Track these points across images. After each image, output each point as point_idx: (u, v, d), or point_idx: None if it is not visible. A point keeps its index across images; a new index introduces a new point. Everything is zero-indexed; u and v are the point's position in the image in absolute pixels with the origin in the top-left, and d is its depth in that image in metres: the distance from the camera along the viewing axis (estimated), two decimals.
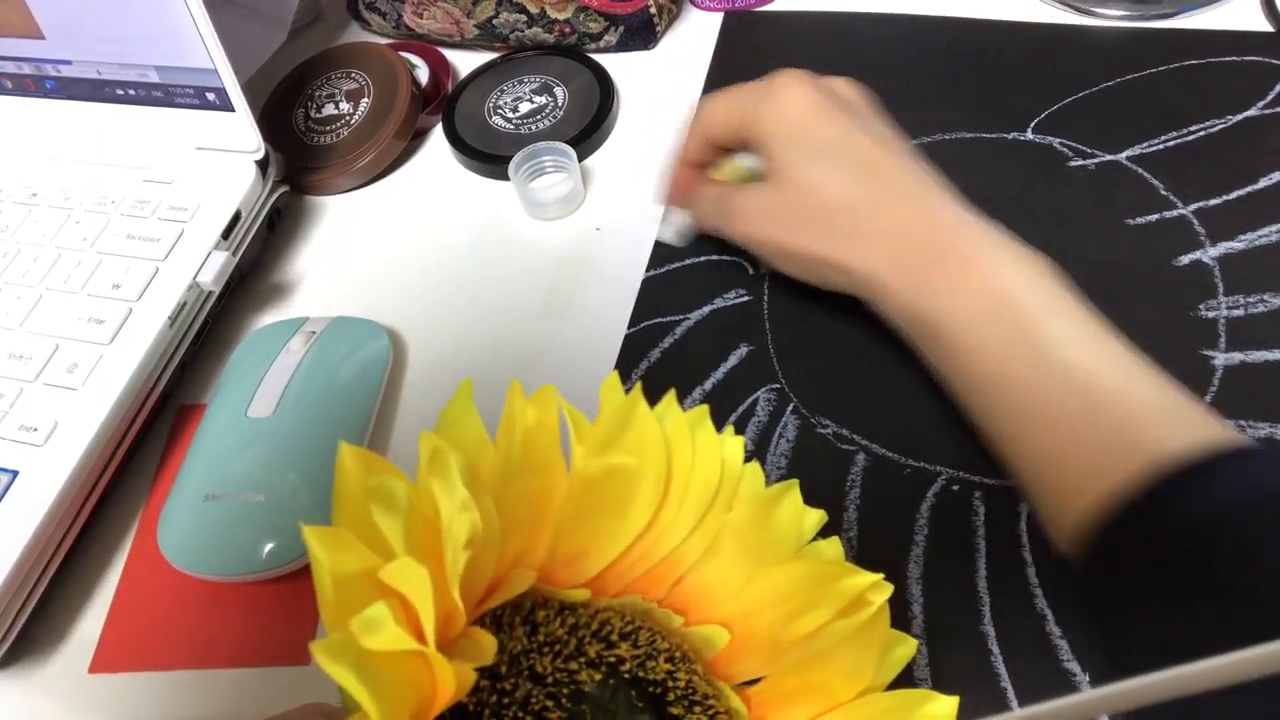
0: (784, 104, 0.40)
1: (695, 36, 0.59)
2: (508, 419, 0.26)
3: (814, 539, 0.30)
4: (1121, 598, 0.30)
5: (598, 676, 0.25)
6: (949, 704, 0.28)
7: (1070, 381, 0.32)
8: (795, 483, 0.29)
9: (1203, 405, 0.32)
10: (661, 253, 0.49)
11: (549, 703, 0.24)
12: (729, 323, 0.46)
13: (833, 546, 0.31)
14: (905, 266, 0.37)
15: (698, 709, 0.27)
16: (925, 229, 0.37)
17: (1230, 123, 0.48)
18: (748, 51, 0.57)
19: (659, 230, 0.50)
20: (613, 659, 0.26)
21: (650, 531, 0.28)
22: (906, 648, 0.30)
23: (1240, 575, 0.28)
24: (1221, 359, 0.40)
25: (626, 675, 0.26)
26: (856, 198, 0.38)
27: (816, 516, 0.30)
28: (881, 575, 0.27)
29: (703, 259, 0.48)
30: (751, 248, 0.42)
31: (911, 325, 0.38)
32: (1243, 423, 0.38)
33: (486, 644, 0.22)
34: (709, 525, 0.29)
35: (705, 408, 0.29)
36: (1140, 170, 0.47)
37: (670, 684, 0.27)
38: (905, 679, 0.30)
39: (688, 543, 0.29)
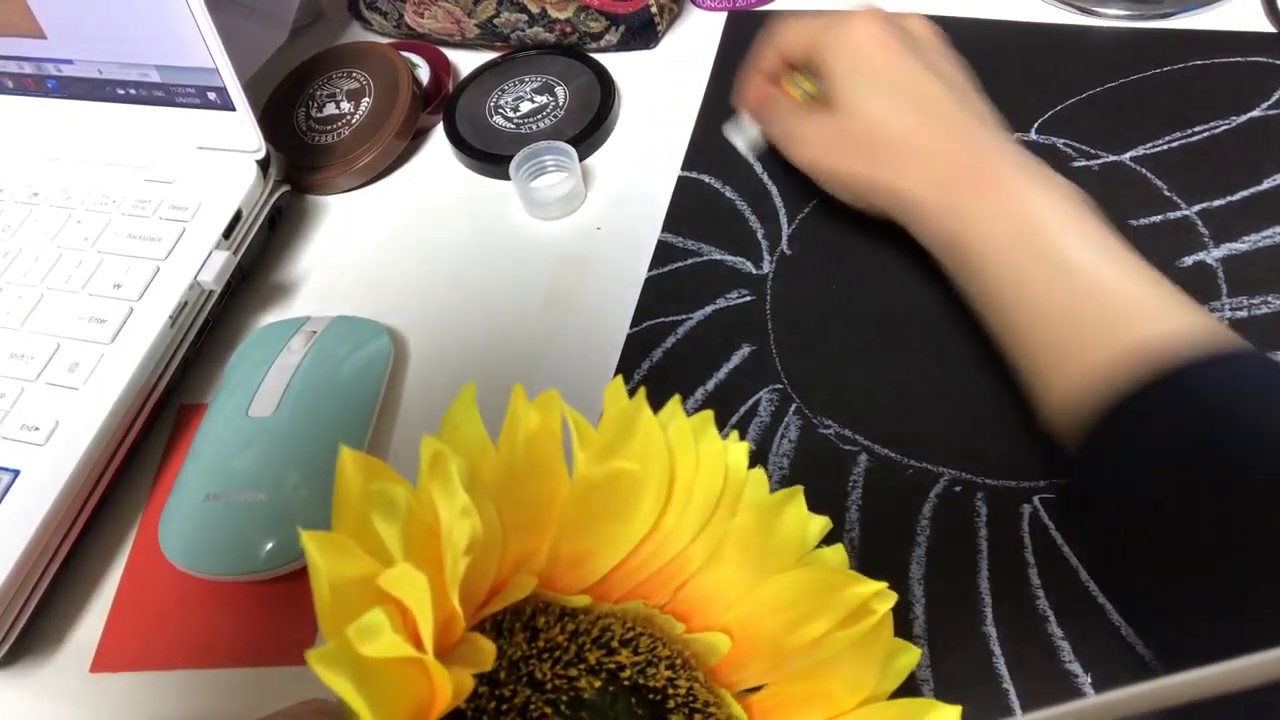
0: (852, 36, 0.42)
1: (696, 36, 0.59)
2: (510, 423, 0.25)
3: (818, 546, 0.30)
4: (1111, 467, 0.33)
5: (597, 683, 0.25)
6: (951, 713, 0.27)
7: (1073, 278, 0.35)
8: (799, 489, 0.29)
9: (1198, 304, 0.34)
10: (663, 252, 0.49)
11: (548, 709, 0.24)
12: (731, 322, 0.46)
13: (836, 554, 0.30)
14: (940, 186, 0.39)
15: (698, 716, 0.27)
16: (965, 154, 0.40)
17: (1234, 124, 0.48)
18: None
19: (731, 135, 0.53)
20: (613, 666, 0.26)
21: (653, 537, 0.28)
22: (909, 656, 0.29)
23: (1226, 445, 0.30)
24: None
25: (627, 682, 0.26)
26: (906, 128, 0.41)
27: (820, 524, 0.30)
28: (885, 584, 0.27)
29: (705, 258, 0.48)
30: (808, 172, 0.45)
31: (942, 244, 0.40)
32: None
33: (485, 650, 0.22)
34: (712, 531, 0.29)
35: (709, 413, 0.29)
36: (1144, 171, 0.47)
37: (671, 691, 0.27)
38: (907, 682, 0.30)
39: (691, 549, 0.29)
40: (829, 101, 0.43)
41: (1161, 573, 0.31)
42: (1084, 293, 0.35)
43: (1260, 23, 0.52)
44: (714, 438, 0.29)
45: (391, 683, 0.19)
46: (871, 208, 0.43)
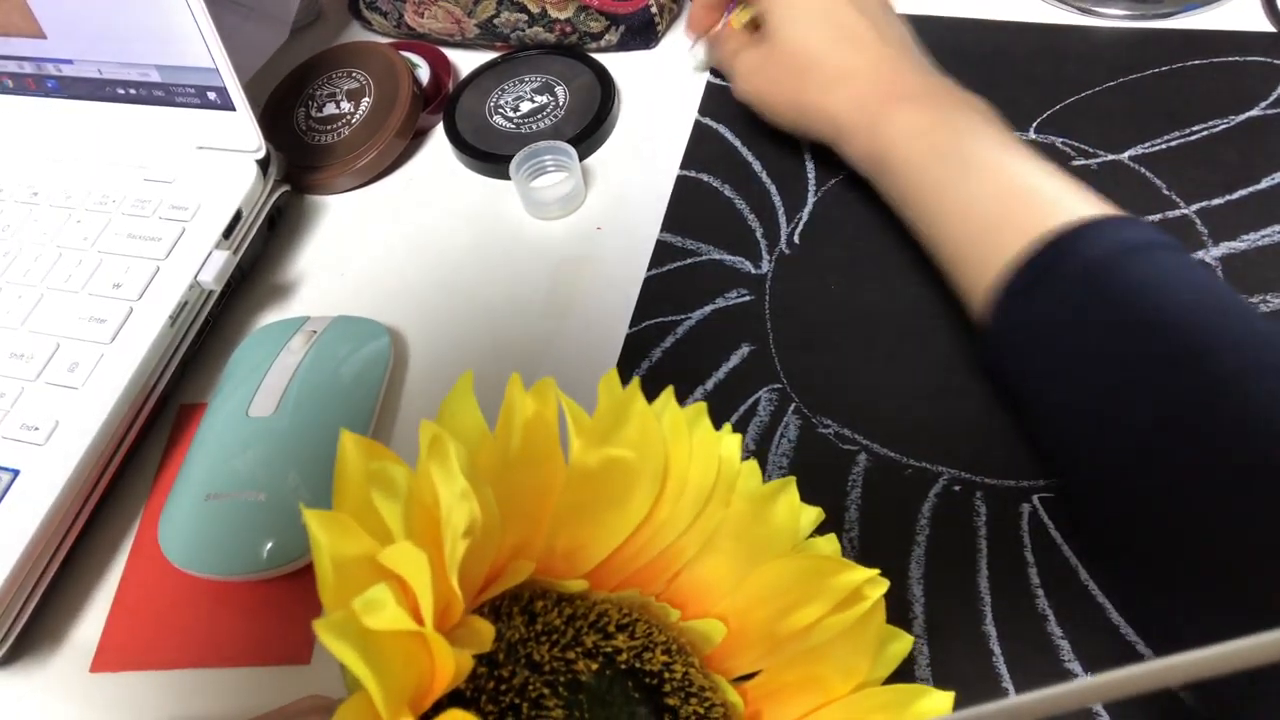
0: None
1: None
2: (507, 411, 0.26)
3: (812, 535, 0.31)
4: (1022, 337, 0.36)
5: (594, 666, 0.26)
6: (944, 699, 0.28)
7: (982, 176, 0.38)
8: (792, 480, 0.29)
9: (1095, 193, 0.37)
10: (663, 252, 0.49)
11: (545, 690, 0.24)
12: (730, 322, 0.46)
13: (829, 543, 0.31)
14: (862, 106, 0.43)
15: (694, 700, 0.27)
16: (885, 78, 0.44)
17: (1233, 123, 0.48)
18: None
19: (688, 58, 0.58)
20: (610, 650, 0.26)
21: (648, 525, 0.28)
22: (902, 643, 0.30)
23: (1122, 303, 0.33)
24: None
25: (623, 666, 0.27)
26: (831, 53, 0.45)
27: (813, 513, 0.30)
28: (877, 570, 0.28)
29: (704, 258, 0.48)
30: (749, 104, 0.50)
31: (866, 160, 0.44)
32: None
33: (484, 631, 0.22)
34: (706, 520, 0.29)
35: (703, 405, 0.30)
36: (1143, 170, 0.47)
37: (667, 675, 0.27)
38: (906, 678, 0.30)
39: (685, 537, 0.29)
40: (764, 32, 0.47)
41: (1065, 441, 0.35)
42: (993, 190, 0.38)
43: (1260, 22, 0.52)
44: (707, 428, 0.30)
45: (395, 656, 0.19)
46: (807, 133, 0.47)
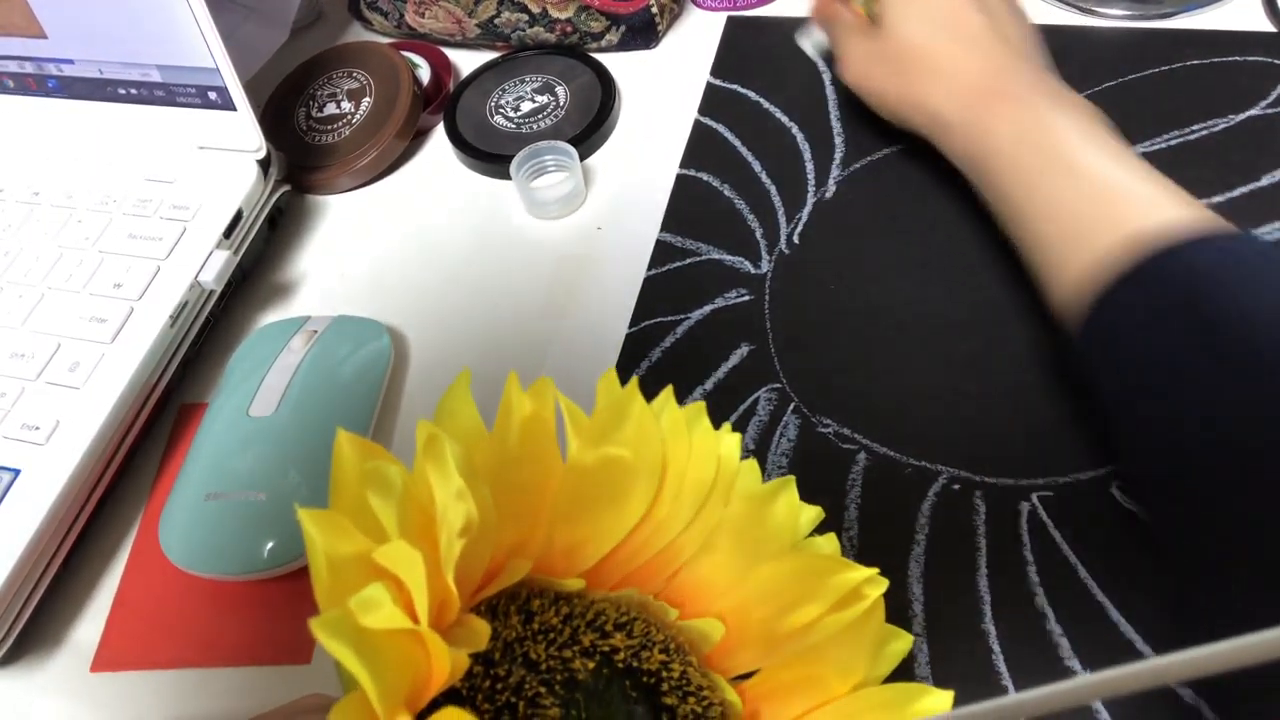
0: None
1: (697, 36, 0.59)
2: (504, 409, 0.26)
3: (811, 534, 0.31)
4: (1117, 346, 0.35)
5: (591, 665, 0.25)
6: (944, 698, 0.28)
7: (1080, 178, 0.37)
8: (791, 479, 0.29)
9: (1192, 198, 0.36)
10: (662, 252, 0.49)
11: (542, 689, 0.24)
12: (730, 322, 0.46)
13: (829, 542, 0.31)
14: (965, 103, 0.43)
15: (691, 700, 0.27)
16: (991, 75, 0.43)
17: (1233, 122, 0.48)
18: (750, 55, 0.57)
19: (801, 40, 0.57)
20: (607, 648, 0.26)
21: (646, 524, 0.28)
22: (902, 642, 0.30)
23: (1218, 316, 0.32)
24: None
25: (621, 665, 0.27)
26: (939, 48, 0.44)
27: (813, 512, 0.30)
28: (876, 570, 0.28)
29: (704, 258, 0.48)
30: (853, 89, 0.49)
31: (965, 157, 0.43)
32: None
33: (480, 630, 0.22)
34: (705, 520, 0.29)
35: (702, 404, 0.30)
36: None
37: (665, 674, 0.27)
38: (905, 677, 0.30)
39: (684, 536, 0.29)
40: (880, 22, 0.47)
41: (1153, 448, 0.34)
42: (1088, 190, 0.37)
43: (1260, 22, 0.52)
44: (706, 428, 0.29)
45: (391, 655, 0.19)
46: (906, 124, 0.47)
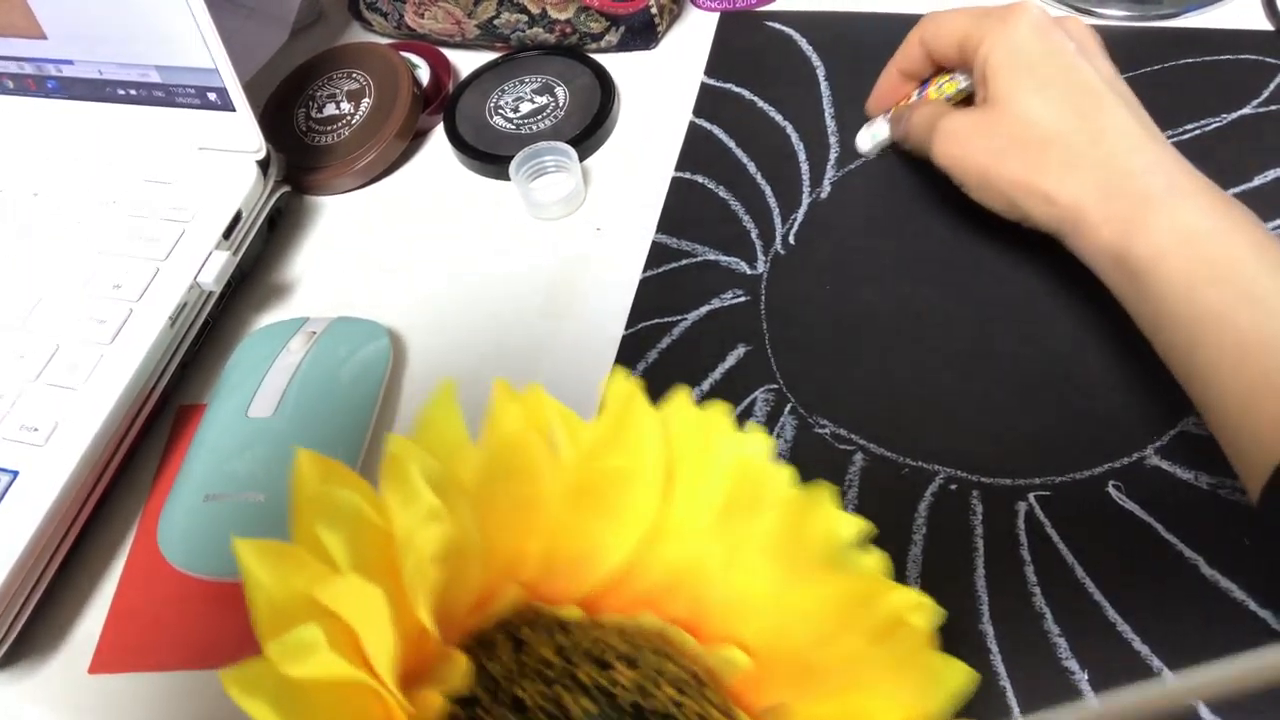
0: (1015, 29, 0.39)
1: (696, 36, 0.59)
2: (491, 419, 0.24)
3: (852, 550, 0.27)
4: None
5: (588, 704, 0.23)
6: None
7: (1260, 306, 0.32)
8: (827, 487, 0.26)
9: None
10: (658, 253, 0.49)
11: None
12: (726, 323, 0.46)
13: (874, 559, 0.27)
14: (1109, 199, 0.37)
15: None
16: (1137, 168, 0.37)
17: (1225, 120, 0.48)
18: (747, 52, 0.57)
19: (858, 139, 0.51)
20: (607, 683, 0.23)
21: (655, 539, 0.26)
22: (961, 675, 0.26)
23: None
24: None
25: (624, 704, 0.23)
26: (1072, 131, 0.38)
27: (853, 525, 0.26)
28: (926, 596, 0.25)
29: (699, 259, 0.48)
30: (953, 170, 0.42)
31: (1107, 259, 0.37)
32: None
33: (458, 668, 0.20)
34: (729, 533, 0.26)
35: (724, 405, 0.27)
36: None
37: (677, 714, 0.24)
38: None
39: (705, 551, 0.26)
40: (982, 101, 0.41)
41: None
42: (1273, 325, 0.31)
43: (1260, 21, 0.52)
44: (726, 430, 0.26)
45: (326, 709, 0.17)
46: (1024, 218, 0.40)
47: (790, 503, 0.26)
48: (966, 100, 0.44)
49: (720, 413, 0.27)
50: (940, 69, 0.45)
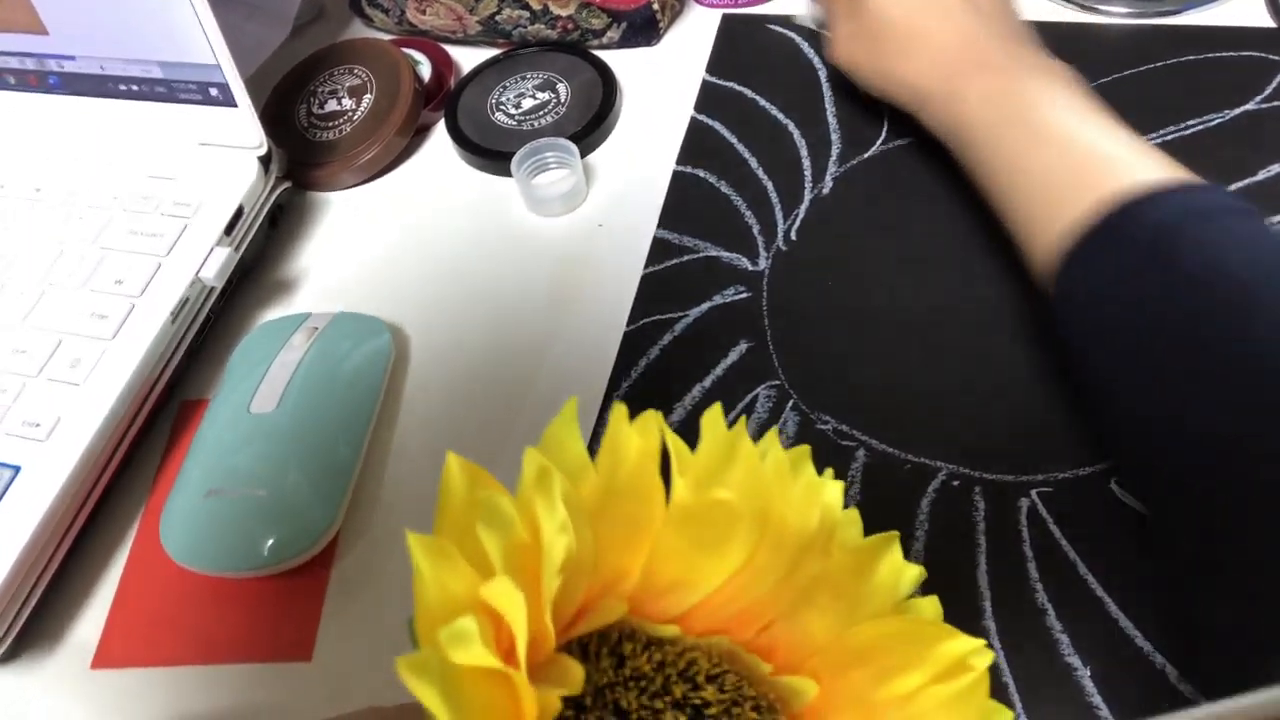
0: None
1: (698, 33, 0.59)
2: (610, 443, 0.25)
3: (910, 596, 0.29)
4: (1088, 305, 0.35)
5: (682, 719, 0.24)
6: None
7: (1054, 143, 0.38)
8: (895, 535, 0.28)
9: (1165, 156, 0.36)
10: (660, 249, 0.49)
11: None
12: (728, 319, 0.46)
13: (931, 605, 0.29)
14: (945, 76, 0.44)
15: None
16: (966, 46, 0.44)
17: (1228, 117, 0.48)
18: (747, 51, 0.57)
19: (799, 17, 0.59)
20: (698, 701, 0.25)
21: (745, 571, 0.26)
22: (1004, 718, 0.28)
23: (1184, 264, 0.32)
24: None
25: None
26: (912, 22, 0.45)
27: (914, 572, 0.28)
28: (983, 642, 0.26)
29: (701, 255, 0.48)
30: (843, 71, 0.50)
31: (946, 129, 0.44)
32: None
33: (574, 672, 0.21)
34: (804, 571, 0.27)
35: (806, 448, 0.28)
36: None
37: None
38: None
39: (781, 587, 0.27)
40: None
41: (1124, 401, 0.34)
42: (1061, 156, 0.37)
43: (1262, 19, 0.52)
44: (811, 473, 0.27)
45: (479, 697, 0.18)
46: (892, 99, 0.48)
47: (858, 547, 0.27)
48: None
49: (805, 456, 0.28)
50: None
